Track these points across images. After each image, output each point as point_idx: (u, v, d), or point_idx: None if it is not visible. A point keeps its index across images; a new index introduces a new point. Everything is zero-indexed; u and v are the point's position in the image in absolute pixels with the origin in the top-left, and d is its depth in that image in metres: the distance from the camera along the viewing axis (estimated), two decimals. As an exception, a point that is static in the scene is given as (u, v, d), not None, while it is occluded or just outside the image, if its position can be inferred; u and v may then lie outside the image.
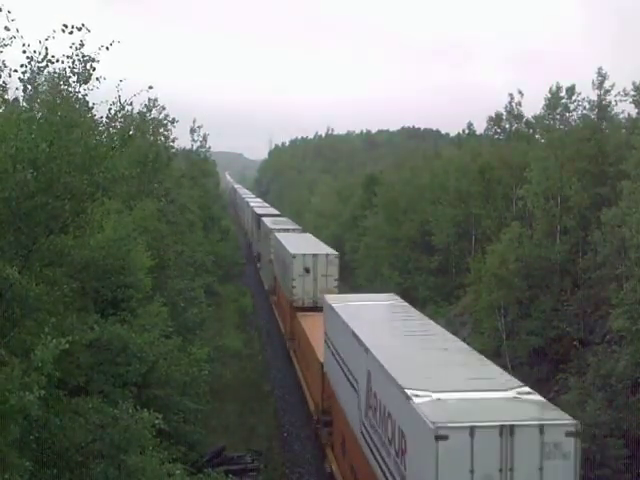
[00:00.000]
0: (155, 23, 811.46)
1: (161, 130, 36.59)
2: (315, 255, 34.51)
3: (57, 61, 11.49)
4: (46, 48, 11.29)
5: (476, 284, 35.27)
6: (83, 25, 11.19)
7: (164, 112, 38.05)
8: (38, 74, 11.63)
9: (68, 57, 11.58)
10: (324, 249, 37.42)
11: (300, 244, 39.03)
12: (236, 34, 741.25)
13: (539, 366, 32.48)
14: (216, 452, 25.93)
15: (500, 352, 33.14)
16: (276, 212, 70.94)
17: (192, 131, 63.32)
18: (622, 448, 24.01)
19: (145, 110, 33.74)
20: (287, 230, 48.96)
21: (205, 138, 65.08)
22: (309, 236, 46.68)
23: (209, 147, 68.11)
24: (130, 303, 18.05)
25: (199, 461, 22.72)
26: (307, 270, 33.90)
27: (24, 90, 11.86)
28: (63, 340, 9.81)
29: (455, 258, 47.99)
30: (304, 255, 34.49)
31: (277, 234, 45.03)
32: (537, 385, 31.62)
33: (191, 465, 19.26)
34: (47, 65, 11.49)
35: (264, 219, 58.30)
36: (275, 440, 29.07)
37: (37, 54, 11.34)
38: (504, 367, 33.35)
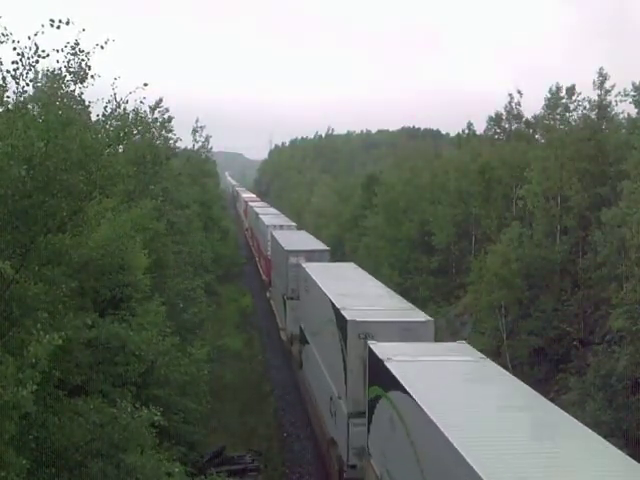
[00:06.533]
0: (154, 22, 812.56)
1: (162, 132, 36.36)
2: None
3: (47, 56, 11.39)
4: (35, 44, 11.20)
5: (476, 284, 35.21)
6: (69, 20, 11.13)
7: (167, 114, 37.86)
8: (30, 70, 11.51)
9: (58, 51, 11.50)
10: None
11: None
12: (236, 34, 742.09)
13: (539, 366, 32.44)
14: (216, 452, 25.90)
15: (500, 352, 33.11)
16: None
17: (194, 131, 63.13)
18: (622, 448, 23.90)
19: (144, 108, 33.50)
20: None
21: (207, 139, 64.92)
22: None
23: (211, 147, 68.01)
24: (129, 303, 18.00)
25: (199, 461, 22.70)
26: None
27: (17, 87, 11.73)
28: (56, 336, 9.76)
29: (455, 258, 47.98)
30: None
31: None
32: (537, 385, 31.70)
33: (191, 465, 19.23)
34: (37, 61, 11.40)
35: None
36: (275, 440, 29.04)
37: (28, 49, 11.24)
38: (504, 367, 33.51)
